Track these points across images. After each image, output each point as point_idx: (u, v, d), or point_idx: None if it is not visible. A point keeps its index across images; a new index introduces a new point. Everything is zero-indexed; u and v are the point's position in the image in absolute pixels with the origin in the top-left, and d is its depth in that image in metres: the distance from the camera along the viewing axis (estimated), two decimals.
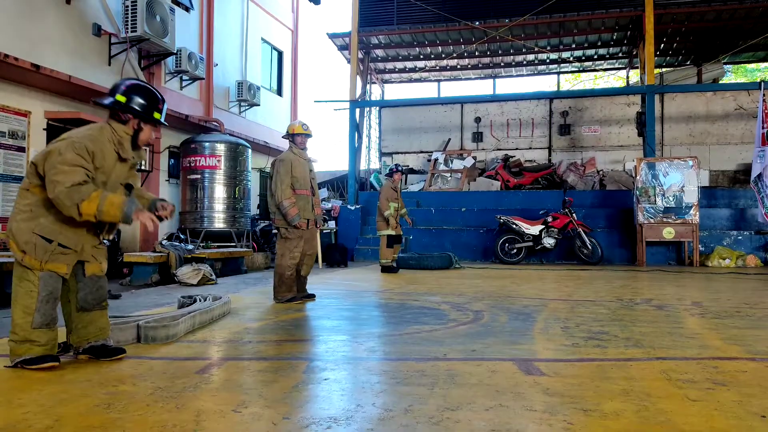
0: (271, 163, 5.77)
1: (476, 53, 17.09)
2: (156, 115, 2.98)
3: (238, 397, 2.42)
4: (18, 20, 8.50)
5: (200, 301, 4.73)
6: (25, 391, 2.48)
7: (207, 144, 11.50)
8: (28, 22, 8.67)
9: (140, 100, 2.93)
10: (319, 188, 18.05)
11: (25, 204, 2.83)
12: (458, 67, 18.56)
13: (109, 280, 7.78)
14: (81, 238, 2.89)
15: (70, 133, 2.86)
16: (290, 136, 5.80)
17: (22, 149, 8.57)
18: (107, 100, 2.92)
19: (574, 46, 16.56)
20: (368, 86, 17.69)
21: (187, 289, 6.65)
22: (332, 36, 16.20)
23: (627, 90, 16.70)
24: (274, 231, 6.37)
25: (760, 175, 11.03)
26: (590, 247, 11.28)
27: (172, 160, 12.10)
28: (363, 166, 17.32)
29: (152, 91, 3.02)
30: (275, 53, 17.01)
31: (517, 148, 17.07)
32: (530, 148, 17.09)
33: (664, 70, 17.10)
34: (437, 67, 18.47)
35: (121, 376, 2.69)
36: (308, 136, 5.84)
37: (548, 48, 16.60)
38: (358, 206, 13.77)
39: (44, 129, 8.95)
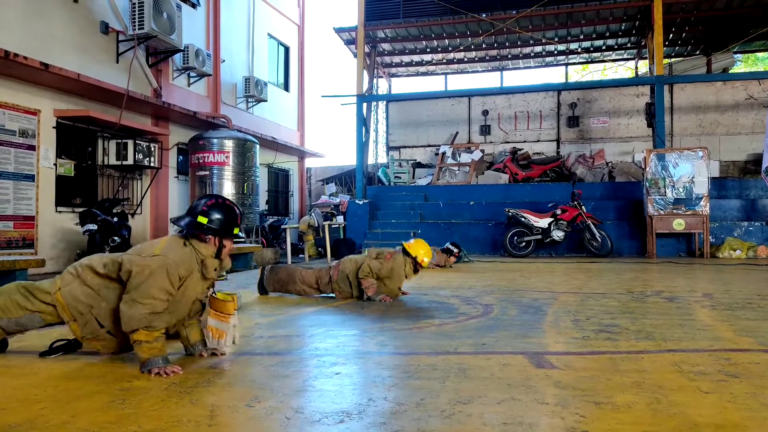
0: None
1: (483, 46, 17.00)
2: (235, 230, 2.98)
3: (250, 391, 2.44)
4: (26, 19, 8.54)
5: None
6: (41, 387, 2.51)
7: (215, 140, 11.54)
8: (36, 20, 8.71)
9: (220, 219, 2.92)
10: (327, 183, 18.14)
11: (95, 283, 2.83)
12: (465, 60, 18.47)
13: None
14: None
15: (164, 250, 2.81)
16: None
17: (32, 148, 8.63)
18: (184, 222, 2.92)
19: (582, 37, 16.44)
20: (375, 80, 17.65)
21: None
22: (338, 30, 16.16)
23: (636, 81, 16.56)
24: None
25: None
26: (600, 240, 11.23)
27: (181, 157, 12.15)
28: (371, 160, 17.31)
29: (230, 206, 3.00)
30: (282, 48, 17.01)
31: (525, 141, 17.00)
32: (538, 141, 17.02)
33: (673, 60, 16.94)
34: (444, 61, 18.39)
35: (134, 372, 2.72)
36: None
37: (556, 39, 16.49)
38: (366, 201, 13.78)
39: (54, 127, 9.01)
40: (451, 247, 9.48)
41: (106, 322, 2.82)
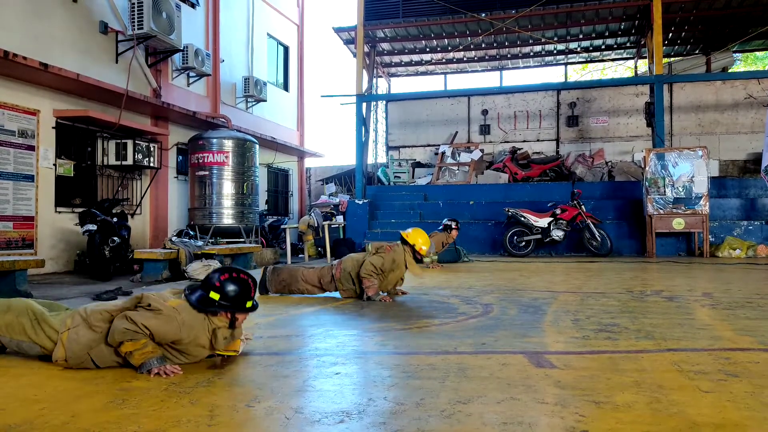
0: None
1: (483, 45, 16.99)
2: (248, 304, 2.94)
3: (250, 391, 2.44)
4: (26, 19, 8.54)
5: None
6: (41, 387, 2.51)
7: (215, 140, 11.53)
8: (36, 21, 8.71)
9: (232, 295, 2.88)
10: (327, 183, 18.14)
11: (102, 328, 2.81)
12: (465, 59, 18.46)
13: (120, 277, 7.87)
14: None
15: (180, 307, 2.82)
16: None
17: (31, 148, 8.63)
18: (196, 296, 2.90)
19: (581, 36, 16.43)
20: (374, 80, 17.64)
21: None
22: (338, 30, 16.16)
23: (635, 80, 16.56)
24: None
25: None
26: (599, 239, 11.23)
27: (180, 157, 12.15)
28: (370, 160, 17.30)
29: (244, 280, 2.95)
30: (281, 48, 17.00)
31: (524, 141, 17.00)
32: (538, 140, 17.02)
33: (672, 59, 16.95)
34: (443, 60, 18.38)
35: (134, 372, 2.71)
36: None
37: (555, 39, 16.48)
38: (365, 200, 13.78)
39: (53, 127, 9.01)
40: (448, 222, 9.47)
41: (100, 362, 2.81)
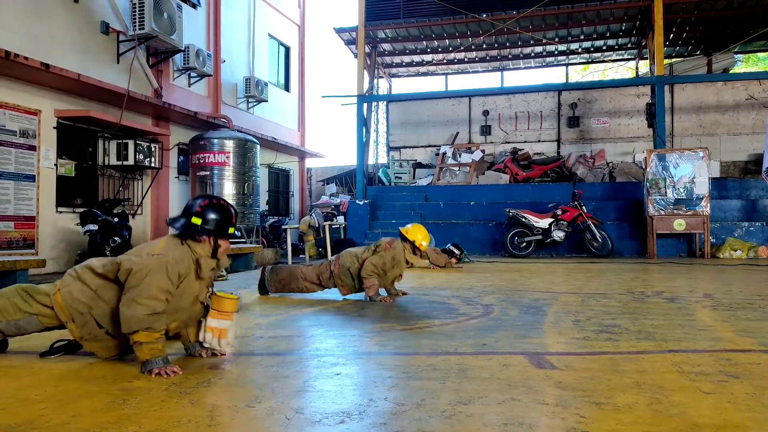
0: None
1: (484, 46, 17.00)
2: (231, 230, 2.99)
3: (251, 392, 2.44)
4: (27, 19, 8.55)
5: None
6: (41, 387, 2.51)
7: (216, 141, 11.54)
8: (37, 21, 8.72)
9: (214, 219, 2.92)
10: (328, 183, 18.15)
11: (94, 283, 2.82)
12: (466, 60, 18.47)
13: None
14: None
15: (162, 249, 2.83)
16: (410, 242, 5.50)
17: (32, 148, 8.64)
18: (180, 223, 2.92)
19: (582, 37, 16.44)
20: (375, 80, 17.65)
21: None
22: (339, 30, 16.17)
23: (636, 81, 16.57)
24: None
25: None
26: (600, 240, 11.23)
27: (182, 157, 12.16)
28: (371, 160, 17.31)
29: (224, 206, 3.01)
30: (282, 49, 17.01)
31: (525, 141, 17.01)
32: (539, 141, 17.03)
33: (673, 60, 16.95)
34: (444, 61, 18.39)
35: (134, 372, 2.71)
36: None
37: (556, 39, 16.49)
38: (366, 201, 13.78)
39: (54, 128, 9.02)
40: (452, 248, 9.50)
41: (105, 323, 2.81)
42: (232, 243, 10.47)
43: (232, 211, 3.04)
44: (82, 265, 2.93)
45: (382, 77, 18.89)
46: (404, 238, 5.45)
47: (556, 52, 17.94)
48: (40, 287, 2.95)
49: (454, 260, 9.40)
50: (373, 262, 5.28)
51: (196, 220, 2.91)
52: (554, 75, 39.86)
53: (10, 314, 2.89)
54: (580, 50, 17.68)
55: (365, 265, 5.29)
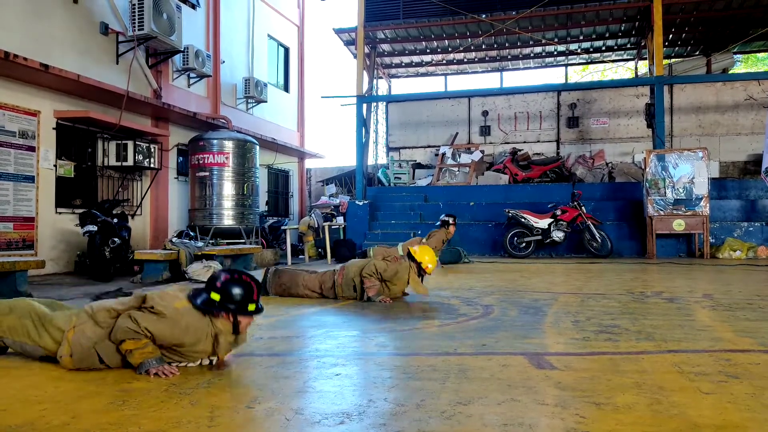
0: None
1: (483, 46, 17.00)
2: (251, 307, 2.90)
3: (250, 392, 2.44)
4: (26, 20, 8.55)
5: None
6: (42, 388, 2.51)
7: (215, 141, 11.53)
8: (36, 21, 8.71)
9: (233, 296, 2.84)
10: (327, 184, 18.15)
11: (108, 323, 2.82)
12: (465, 60, 18.48)
13: (120, 278, 7.87)
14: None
15: (184, 310, 2.81)
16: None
17: (32, 149, 8.63)
18: (201, 298, 2.88)
19: (581, 37, 16.44)
20: (375, 81, 17.65)
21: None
22: (338, 31, 16.17)
23: (635, 81, 16.57)
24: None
25: None
26: (600, 240, 11.23)
27: (181, 158, 12.15)
28: (371, 161, 17.31)
29: (246, 283, 2.91)
30: (282, 49, 17.01)
31: (525, 142, 17.01)
32: (538, 141, 17.03)
33: (672, 60, 16.95)
34: (444, 61, 18.39)
35: (134, 374, 2.71)
36: None
37: (556, 40, 16.50)
38: (366, 201, 13.78)
39: (53, 128, 9.01)
40: (445, 218, 9.40)
41: (107, 359, 2.81)
42: (231, 244, 10.49)
43: (254, 286, 2.93)
44: (99, 305, 2.93)
45: (381, 78, 18.90)
46: (411, 258, 5.46)
47: (555, 53, 17.95)
48: (56, 320, 2.90)
49: (452, 229, 9.35)
50: (376, 265, 5.33)
51: (215, 296, 2.85)
52: (553, 75, 39.91)
53: (19, 335, 2.90)
54: (579, 51, 17.69)
55: (368, 265, 5.33)
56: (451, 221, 9.37)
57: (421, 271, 5.41)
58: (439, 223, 9.47)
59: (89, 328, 2.81)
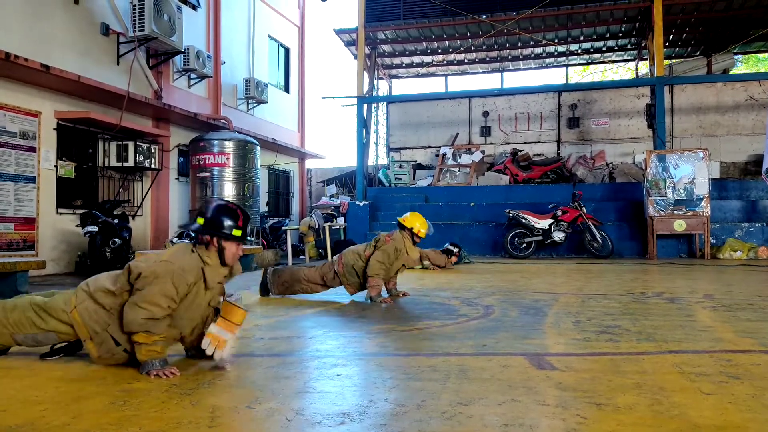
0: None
1: (483, 47, 17.01)
2: (235, 232, 2.87)
3: (251, 393, 2.44)
4: (27, 21, 8.55)
5: None
6: (42, 388, 2.51)
7: (216, 142, 11.54)
8: (37, 22, 8.72)
9: (216, 220, 2.85)
10: (328, 184, 18.14)
11: (108, 302, 2.81)
12: (465, 61, 18.48)
13: None
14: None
15: (170, 257, 2.81)
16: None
17: (33, 149, 8.64)
18: (193, 227, 2.89)
19: (582, 38, 16.44)
20: (375, 82, 17.66)
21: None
22: (339, 32, 16.17)
23: (636, 82, 16.58)
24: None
25: None
26: (600, 241, 11.23)
27: (182, 159, 12.16)
28: (371, 161, 17.31)
29: (231, 208, 2.93)
30: (282, 50, 17.02)
31: (525, 142, 17.01)
32: (539, 142, 17.03)
33: (673, 61, 16.95)
34: (444, 62, 18.40)
35: (135, 374, 2.72)
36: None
37: (556, 41, 16.50)
38: (366, 202, 13.78)
39: (54, 129, 9.02)
40: (450, 247, 9.48)
41: (122, 340, 2.80)
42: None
43: (239, 212, 2.93)
44: (93, 283, 2.91)
45: (382, 78, 18.90)
46: (402, 227, 5.43)
47: (555, 53, 17.95)
48: (55, 303, 2.92)
49: (453, 259, 9.40)
50: (378, 260, 5.26)
51: (200, 220, 2.88)
52: (554, 76, 39.91)
53: (27, 328, 2.90)
54: (579, 51, 17.69)
55: (371, 264, 5.26)
56: (455, 252, 9.42)
57: (413, 237, 5.41)
58: (443, 249, 9.44)
59: (91, 306, 2.81)
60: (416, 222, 5.40)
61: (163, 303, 2.71)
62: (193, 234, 2.90)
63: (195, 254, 2.86)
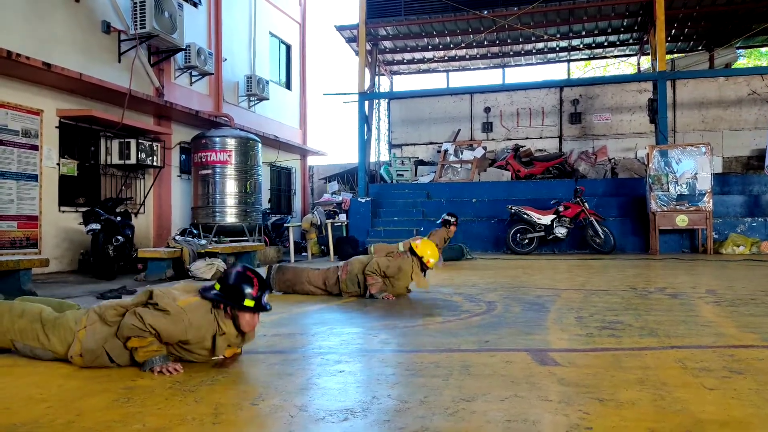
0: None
1: (485, 42, 16.96)
2: (248, 302, 2.78)
3: (255, 389, 2.45)
4: (28, 19, 8.55)
5: None
6: (46, 386, 2.52)
7: (217, 139, 11.53)
8: (38, 20, 8.72)
9: (231, 289, 2.79)
10: (330, 181, 18.15)
11: (116, 321, 2.81)
12: (467, 57, 18.44)
13: (124, 276, 7.89)
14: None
15: (188, 306, 2.77)
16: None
17: (35, 148, 8.65)
18: (209, 290, 2.86)
19: (584, 33, 16.38)
20: (377, 78, 17.63)
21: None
22: (340, 28, 16.14)
23: (638, 77, 16.52)
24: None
25: None
26: (603, 236, 11.21)
27: (183, 156, 12.16)
28: (373, 158, 17.30)
29: (248, 276, 2.83)
30: (283, 47, 17.00)
31: (527, 138, 16.98)
32: (541, 138, 16.99)
33: (675, 55, 16.88)
34: (446, 58, 18.35)
35: (138, 371, 2.72)
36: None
37: (558, 36, 16.44)
38: (368, 199, 13.78)
39: (56, 127, 9.03)
40: (447, 217, 9.38)
41: (117, 357, 2.80)
42: (234, 242, 10.49)
43: (257, 283, 2.82)
44: (107, 304, 2.93)
45: (383, 74, 18.87)
46: (413, 253, 5.47)
47: (557, 49, 17.89)
48: (65, 321, 2.91)
49: (453, 228, 9.31)
50: (379, 262, 5.36)
51: (217, 286, 2.83)
52: (556, 71, 39.74)
53: (29, 339, 2.92)
54: (581, 46, 17.63)
55: (371, 263, 5.37)
56: (452, 220, 9.34)
57: (423, 266, 5.43)
58: (440, 221, 9.46)
59: (98, 327, 2.82)
60: (427, 250, 5.44)
61: (153, 330, 2.70)
62: (204, 294, 2.86)
63: (212, 316, 2.83)
